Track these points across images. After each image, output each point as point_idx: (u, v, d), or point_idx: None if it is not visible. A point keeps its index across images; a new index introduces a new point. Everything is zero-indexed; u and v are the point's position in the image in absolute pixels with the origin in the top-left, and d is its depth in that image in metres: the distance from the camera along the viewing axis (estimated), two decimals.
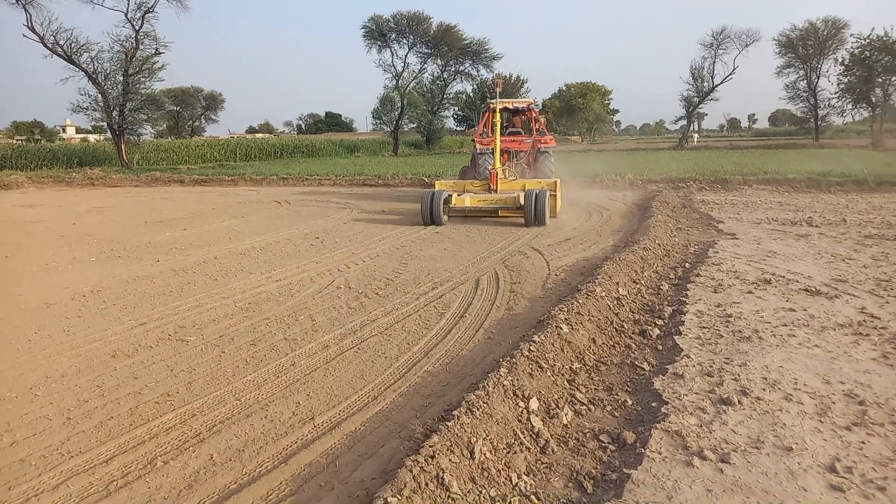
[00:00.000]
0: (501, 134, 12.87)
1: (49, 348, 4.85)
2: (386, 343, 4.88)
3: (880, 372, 3.99)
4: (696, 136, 55.21)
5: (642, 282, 6.68)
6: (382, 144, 51.43)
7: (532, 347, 4.11)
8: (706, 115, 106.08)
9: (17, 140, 76.54)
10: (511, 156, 13.54)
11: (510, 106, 14.35)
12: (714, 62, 46.03)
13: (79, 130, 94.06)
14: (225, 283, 7.05)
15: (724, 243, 8.77)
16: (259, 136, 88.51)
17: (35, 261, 8.46)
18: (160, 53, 27.77)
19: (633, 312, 5.62)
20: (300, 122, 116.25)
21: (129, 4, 26.60)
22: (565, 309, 5.06)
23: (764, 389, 3.74)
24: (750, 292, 6.18)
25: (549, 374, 3.92)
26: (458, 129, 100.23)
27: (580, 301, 5.32)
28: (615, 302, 5.73)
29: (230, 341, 4.99)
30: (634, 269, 7.01)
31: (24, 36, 25.22)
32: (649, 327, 5.15)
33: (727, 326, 5.09)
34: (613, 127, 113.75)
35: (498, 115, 12.08)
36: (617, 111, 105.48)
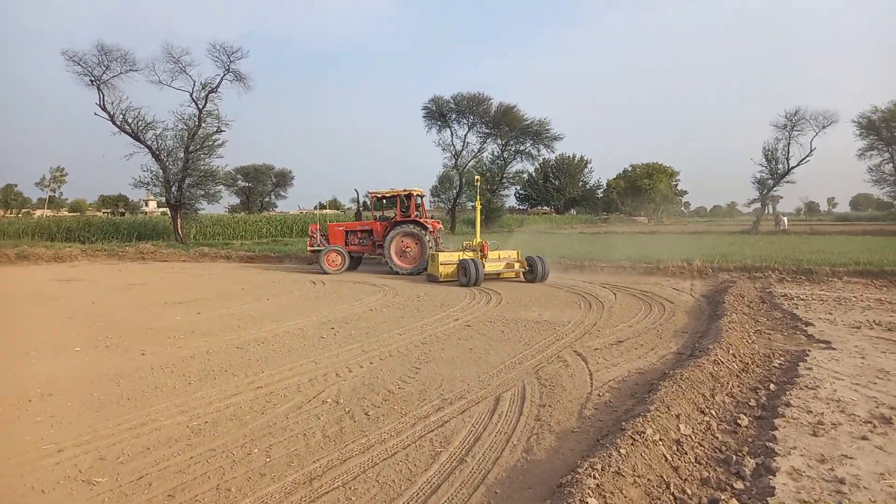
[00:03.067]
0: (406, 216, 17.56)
1: None
2: None
3: None
4: (785, 219, 50.91)
5: (713, 412, 5.10)
6: (440, 222, 51.08)
7: None
8: (781, 198, 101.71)
9: (104, 213, 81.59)
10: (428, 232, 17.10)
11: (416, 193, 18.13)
12: (789, 144, 43.50)
13: (160, 205, 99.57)
14: (197, 388, 5.91)
15: (819, 355, 7.02)
16: (326, 211, 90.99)
17: (17, 348, 7.65)
18: (221, 131, 28.46)
19: (699, 466, 4.06)
20: (365, 199, 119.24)
21: (194, 85, 27.64)
22: (599, 466, 3.58)
23: None
24: (864, 438, 4.52)
25: None
26: (521, 207, 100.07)
27: (623, 451, 3.83)
28: (674, 448, 4.20)
29: (146, 488, 3.76)
30: (702, 393, 5.44)
31: (95, 114, 26.48)
32: (724, 496, 3.59)
33: None
34: (682, 208, 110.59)
35: (478, 201, 17.09)
36: (685, 192, 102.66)
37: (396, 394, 5.73)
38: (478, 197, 17.16)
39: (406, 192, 17.84)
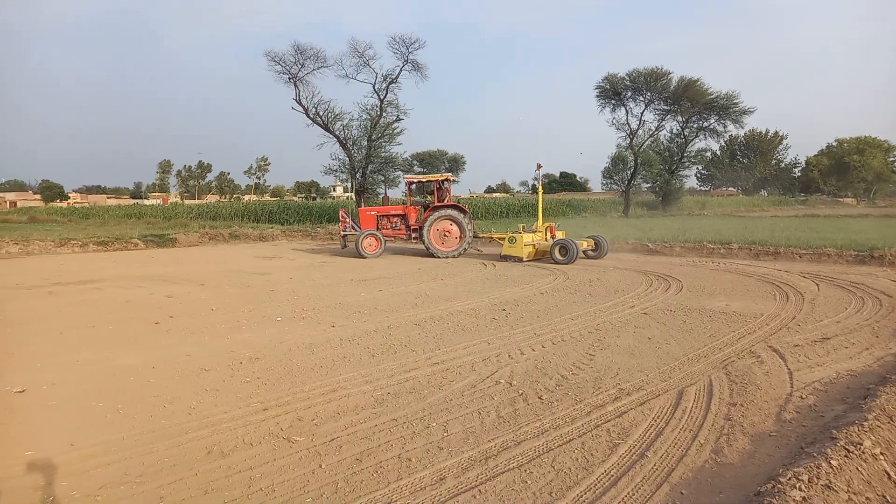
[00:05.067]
0: (441, 201, 18.09)
1: (158, 430, 4.43)
2: (519, 490, 3.51)
3: None
4: None
5: None
6: (612, 205, 49.20)
7: None
8: None
9: (299, 197, 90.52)
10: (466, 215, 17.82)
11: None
12: None
13: (345, 190, 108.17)
14: (380, 361, 6.29)
15: None
16: (496, 195, 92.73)
17: (231, 316, 8.73)
18: (400, 119, 30.19)
19: None
20: (535, 183, 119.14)
21: (376, 77, 29.47)
22: (805, 477, 3.18)
23: None
24: None
25: None
26: (703, 188, 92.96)
27: (834, 462, 3.37)
28: None
29: (337, 450, 4.07)
30: None
31: (292, 108, 29.31)
32: None
33: None
34: None
35: (540, 185, 18.73)
36: None
37: (570, 380, 5.60)
38: (539, 182, 18.62)
39: (443, 178, 18.46)
